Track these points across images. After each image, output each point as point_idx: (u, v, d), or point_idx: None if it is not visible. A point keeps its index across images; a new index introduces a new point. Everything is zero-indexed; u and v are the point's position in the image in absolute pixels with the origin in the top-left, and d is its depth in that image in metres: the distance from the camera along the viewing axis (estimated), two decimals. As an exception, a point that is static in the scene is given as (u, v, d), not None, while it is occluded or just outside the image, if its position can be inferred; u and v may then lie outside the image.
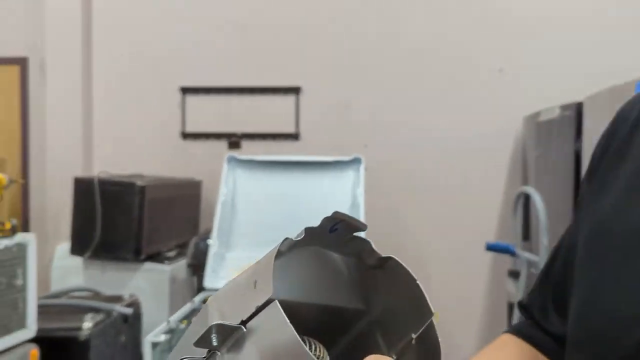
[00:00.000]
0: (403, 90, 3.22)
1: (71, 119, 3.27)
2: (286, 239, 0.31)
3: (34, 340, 1.73)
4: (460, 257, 3.14)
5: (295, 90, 3.27)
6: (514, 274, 2.44)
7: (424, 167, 3.16)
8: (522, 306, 0.65)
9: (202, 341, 0.29)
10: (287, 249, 0.32)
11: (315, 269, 0.35)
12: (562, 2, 3.18)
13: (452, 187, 3.17)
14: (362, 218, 2.23)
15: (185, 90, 3.32)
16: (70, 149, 3.26)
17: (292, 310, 0.31)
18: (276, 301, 0.28)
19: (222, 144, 3.31)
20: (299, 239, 0.32)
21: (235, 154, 3.21)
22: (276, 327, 0.27)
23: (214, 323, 0.29)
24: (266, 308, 0.28)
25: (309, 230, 0.32)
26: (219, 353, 0.30)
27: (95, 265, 2.71)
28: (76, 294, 2.40)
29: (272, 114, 3.29)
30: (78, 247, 2.66)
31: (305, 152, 3.23)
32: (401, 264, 0.35)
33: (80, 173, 3.19)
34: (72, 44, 3.29)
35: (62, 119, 3.28)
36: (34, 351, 1.70)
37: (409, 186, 3.24)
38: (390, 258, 0.35)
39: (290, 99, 3.29)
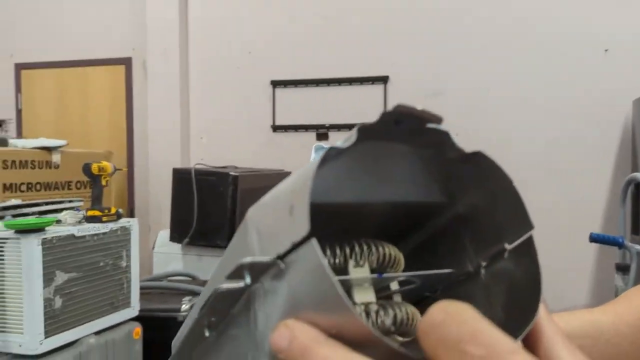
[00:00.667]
0: (497, 76, 3.08)
1: (170, 114, 3.46)
2: (331, 148, 0.24)
3: (137, 318, 1.85)
4: (563, 249, 2.96)
5: (383, 80, 3.24)
6: (623, 268, 2.25)
7: (523, 154, 3.01)
8: None
9: (235, 276, 0.25)
10: (336, 155, 0.25)
11: (375, 165, 0.28)
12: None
13: (554, 175, 2.99)
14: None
15: (276, 84, 3.39)
16: (170, 142, 3.46)
17: (349, 213, 0.26)
18: (313, 243, 0.22)
19: (311, 135, 3.35)
20: (349, 144, 0.24)
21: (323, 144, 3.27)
22: (314, 273, 0.22)
23: (245, 261, 0.25)
24: (302, 247, 0.22)
25: (362, 131, 0.25)
26: (255, 286, 0.25)
27: (193, 251, 2.85)
28: (175, 278, 2.53)
29: (360, 104, 3.29)
30: (176, 234, 2.80)
31: (394, 141, 3.20)
32: (493, 161, 0.27)
33: (179, 165, 3.37)
34: (170, 44, 3.48)
35: (161, 115, 3.48)
36: (138, 329, 1.82)
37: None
38: (478, 153, 0.27)
39: (378, 89, 3.26)
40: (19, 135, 3.67)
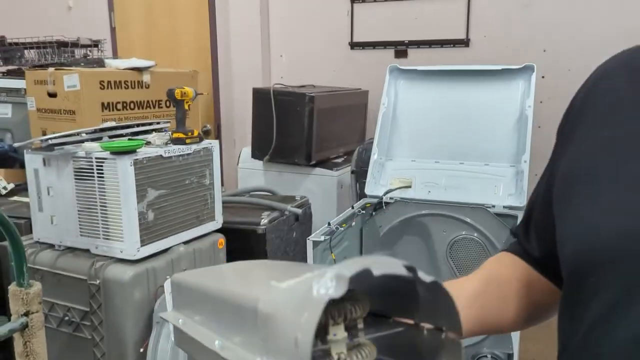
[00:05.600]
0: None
1: (251, 33, 3.51)
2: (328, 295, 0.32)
3: (221, 230, 2.04)
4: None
5: (467, -8, 3.07)
6: None
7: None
8: (513, 233, 0.82)
9: None
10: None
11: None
12: None
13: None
14: (529, 132, 2.11)
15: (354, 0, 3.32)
16: (251, 61, 3.54)
17: None
18: None
19: (389, 52, 3.30)
20: (340, 294, 0.32)
21: (399, 63, 3.21)
22: None
23: None
24: None
25: (353, 281, 0.32)
26: None
27: (273, 167, 3.00)
28: (257, 193, 2.71)
29: (442, 19, 3.16)
30: (258, 151, 2.96)
31: (475, 60, 3.08)
32: (445, 291, 0.38)
33: (261, 85, 3.47)
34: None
35: (243, 34, 3.54)
36: (221, 240, 2.01)
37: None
38: (435, 282, 0.38)
39: (461, 3, 3.10)
40: (115, 54, 3.90)
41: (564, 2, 2.89)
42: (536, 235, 0.74)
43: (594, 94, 0.67)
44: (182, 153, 1.81)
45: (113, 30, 4.01)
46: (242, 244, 2.14)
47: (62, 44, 2.93)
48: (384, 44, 3.30)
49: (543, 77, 2.90)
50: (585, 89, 0.69)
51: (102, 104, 2.62)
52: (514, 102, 2.23)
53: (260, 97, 2.87)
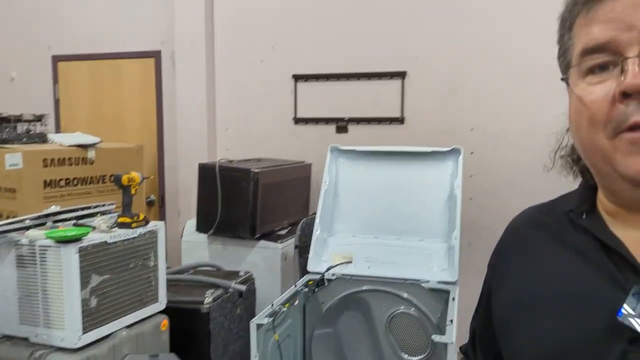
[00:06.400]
0: (511, 74, 3.12)
1: (197, 106, 3.62)
2: None
3: (164, 310, 2.05)
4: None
5: (401, 75, 3.32)
6: None
7: (535, 148, 3.07)
8: (463, 351, 0.93)
9: None
10: None
11: None
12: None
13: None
14: (458, 210, 2.27)
15: (297, 78, 3.51)
16: (197, 133, 3.63)
17: None
18: None
19: (331, 128, 3.47)
20: None
21: (340, 138, 3.39)
22: None
23: None
24: None
25: None
26: None
27: (218, 240, 3.04)
28: (201, 269, 2.73)
29: (379, 98, 3.38)
30: (202, 225, 3.00)
31: (410, 136, 3.30)
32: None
33: (206, 157, 3.55)
34: (197, 38, 3.61)
35: (189, 106, 3.64)
36: (165, 321, 2.02)
37: (519, 169, 3.17)
38: None
39: (396, 84, 3.34)
40: (58, 127, 3.89)
41: (486, 88, 3.17)
42: (482, 354, 0.86)
43: (506, 243, 0.83)
44: (127, 237, 1.84)
45: (57, 102, 4.02)
46: (185, 323, 2.15)
47: (3, 120, 2.92)
48: (326, 120, 3.47)
49: (472, 153, 3.13)
50: (496, 249, 0.85)
51: (45, 181, 2.62)
52: (444, 181, 2.41)
53: (206, 172, 2.94)
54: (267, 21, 3.55)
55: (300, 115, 3.53)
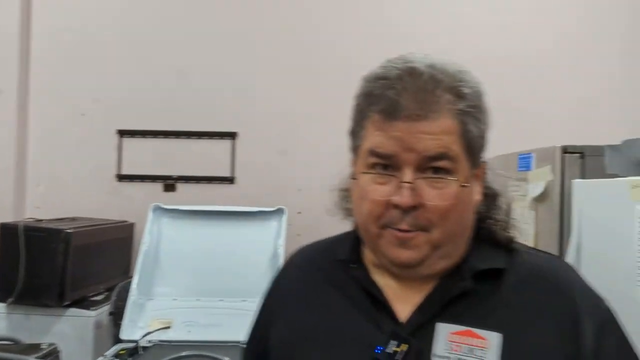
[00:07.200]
0: (336, 138, 3.32)
1: (3, 161, 3.26)
2: None
3: None
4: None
5: (231, 135, 3.35)
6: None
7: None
8: None
9: None
10: None
11: None
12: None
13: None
14: (281, 268, 2.30)
15: (122, 133, 3.35)
16: (2, 192, 3.24)
17: None
18: None
19: (158, 186, 3.35)
20: None
21: (168, 197, 3.27)
22: None
23: None
24: None
25: None
26: None
27: (20, 310, 2.68)
28: (-6, 343, 2.36)
29: (209, 158, 3.36)
30: (1, 293, 2.63)
31: (240, 195, 3.30)
32: None
33: (12, 215, 3.17)
34: (8, 84, 3.30)
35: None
36: None
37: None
38: None
39: (227, 144, 3.36)
40: None
41: (314, 151, 3.32)
42: None
43: (285, 281, 0.93)
44: None
45: None
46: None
47: None
48: (153, 178, 3.34)
49: (299, 212, 3.23)
50: (275, 281, 0.95)
51: None
52: (269, 241, 2.44)
53: (8, 232, 2.62)
54: (91, 72, 3.38)
55: (124, 172, 3.35)
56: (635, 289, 1.16)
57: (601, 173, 1.49)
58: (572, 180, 1.50)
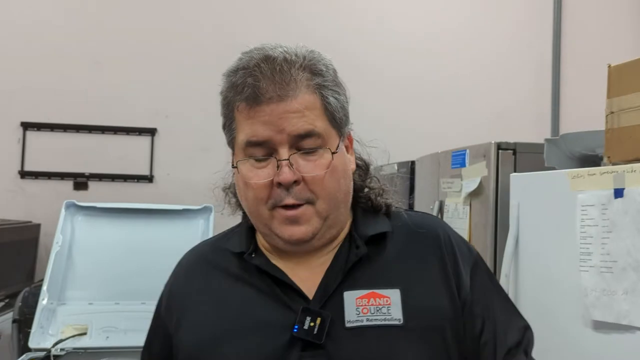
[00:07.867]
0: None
1: None
2: None
3: None
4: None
5: (151, 132, 3.18)
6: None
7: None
8: None
9: None
10: None
11: None
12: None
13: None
14: (209, 268, 2.19)
15: (27, 126, 3.07)
16: None
17: None
18: None
19: (68, 184, 3.09)
20: None
21: (79, 196, 3.03)
22: None
23: None
24: None
25: None
26: None
27: None
28: None
29: (126, 154, 3.16)
30: None
31: (159, 196, 3.13)
32: None
33: None
34: None
35: None
36: None
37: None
38: None
39: (146, 140, 3.18)
40: None
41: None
42: None
43: (182, 285, 0.91)
44: None
45: None
46: None
47: None
48: (61, 175, 3.09)
49: (222, 213, 3.12)
50: (167, 290, 0.93)
51: None
52: (194, 240, 2.29)
53: None
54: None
55: (28, 168, 3.07)
56: (578, 275, 1.20)
57: (532, 168, 1.56)
58: (510, 174, 1.55)
